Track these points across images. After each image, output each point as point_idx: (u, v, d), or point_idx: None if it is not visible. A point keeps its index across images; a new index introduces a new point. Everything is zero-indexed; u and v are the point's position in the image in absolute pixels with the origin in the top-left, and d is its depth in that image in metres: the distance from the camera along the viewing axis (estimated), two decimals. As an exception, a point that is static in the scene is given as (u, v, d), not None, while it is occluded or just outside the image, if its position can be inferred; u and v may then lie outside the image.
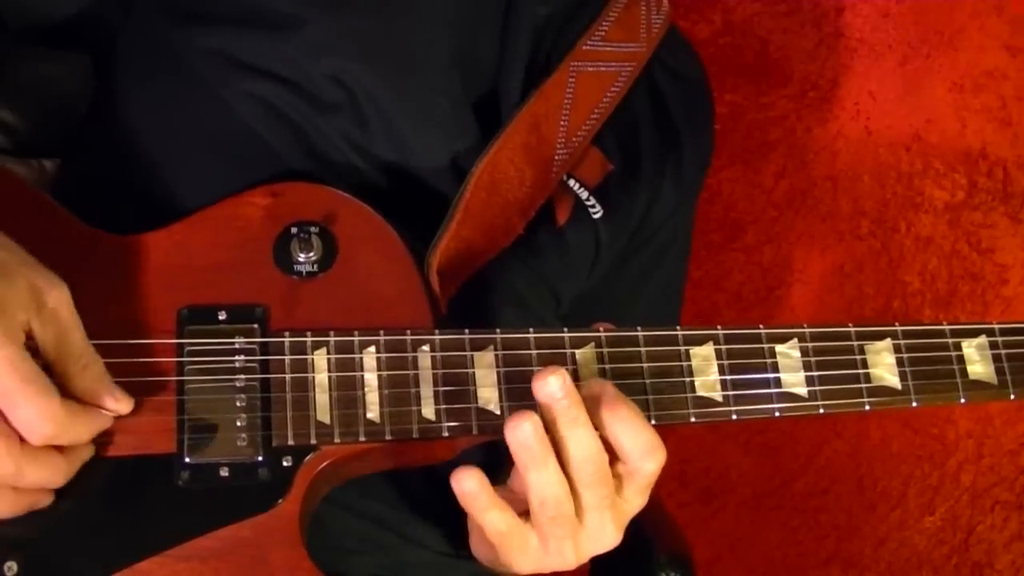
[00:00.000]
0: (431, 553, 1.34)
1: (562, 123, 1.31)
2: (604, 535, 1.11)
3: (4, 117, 1.37)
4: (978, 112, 2.51)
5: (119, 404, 1.03)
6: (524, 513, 1.09)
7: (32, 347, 0.97)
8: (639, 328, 1.15)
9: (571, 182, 1.33)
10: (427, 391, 1.10)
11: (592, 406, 1.06)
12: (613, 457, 1.08)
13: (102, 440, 1.05)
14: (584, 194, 1.33)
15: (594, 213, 1.33)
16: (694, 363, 1.15)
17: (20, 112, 1.38)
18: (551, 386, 1.04)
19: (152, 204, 1.21)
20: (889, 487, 2.42)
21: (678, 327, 1.16)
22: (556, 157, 1.31)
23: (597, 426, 1.06)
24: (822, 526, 2.40)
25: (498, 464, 1.29)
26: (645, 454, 1.07)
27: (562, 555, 1.11)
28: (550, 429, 1.05)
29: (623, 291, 1.43)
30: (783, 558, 2.39)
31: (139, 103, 1.27)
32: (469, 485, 1.05)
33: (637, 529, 1.16)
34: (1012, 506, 2.42)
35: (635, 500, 1.12)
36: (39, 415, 0.95)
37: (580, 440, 1.05)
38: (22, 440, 0.96)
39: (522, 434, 1.03)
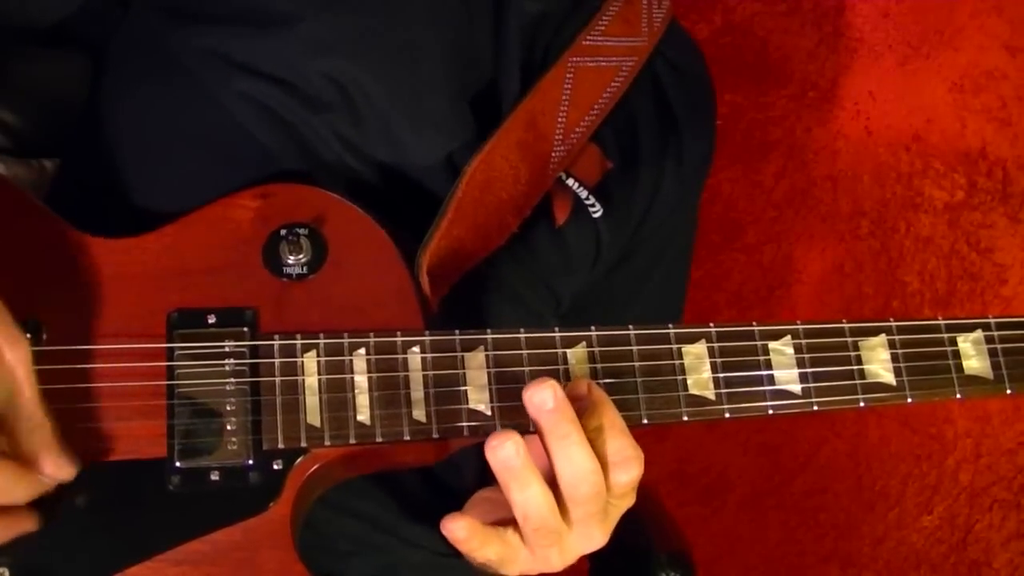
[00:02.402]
0: (427, 553, 1.34)
1: (560, 119, 1.30)
2: (592, 540, 1.10)
3: (4, 117, 1.37)
4: (978, 112, 2.51)
5: (60, 472, 0.99)
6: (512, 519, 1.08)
7: None
8: (631, 327, 1.14)
9: (570, 181, 1.32)
10: (417, 393, 1.09)
11: (576, 409, 1.05)
12: None
13: (93, 445, 1.04)
14: (583, 193, 1.32)
15: (594, 212, 1.32)
16: (686, 361, 1.14)
17: (20, 112, 1.38)
18: (541, 397, 1.03)
19: (144, 205, 1.21)
20: (887, 486, 2.42)
21: (670, 325, 1.15)
22: (553, 154, 1.30)
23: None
24: (821, 525, 2.40)
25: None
26: (619, 465, 1.06)
27: (548, 560, 1.10)
28: (543, 442, 1.05)
29: (624, 289, 1.43)
30: (782, 557, 2.39)
31: (132, 103, 1.27)
32: (460, 533, 1.05)
33: (637, 529, 1.16)
34: (1010, 505, 2.42)
35: (621, 503, 1.11)
36: None
37: (571, 457, 1.04)
38: None
39: (503, 454, 1.02)
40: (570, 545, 1.10)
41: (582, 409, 1.05)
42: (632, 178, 1.36)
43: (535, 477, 1.04)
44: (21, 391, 0.97)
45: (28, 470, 0.98)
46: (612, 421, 1.06)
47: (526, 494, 1.04)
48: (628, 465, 1.06)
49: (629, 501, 1.11)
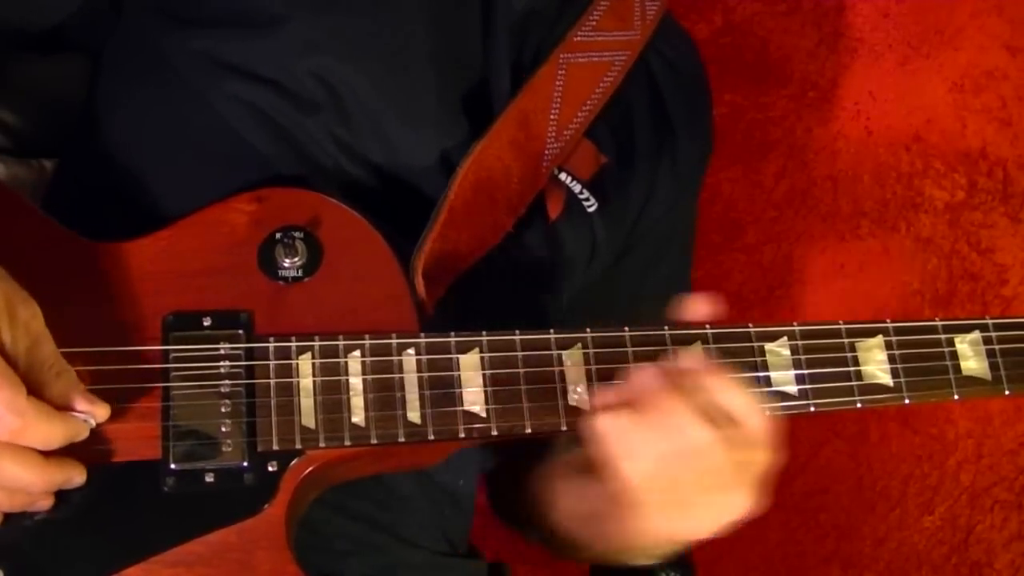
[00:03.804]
0: (427, 553, 1.34)
1: (552, 116, 1.30)
2: (736, 503, 1.09)
3: (4, 117, 1.37)
4: (978, 112, 2.50)
5: (94, 408, 1.03)
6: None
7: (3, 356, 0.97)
8: (626, 328, 1.14)
9: (563, 175, 1.32)
10: (412, 394, 1.10)
11: (692, 377, 1.06)
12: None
13: (88, 447, 1.04)
14: (577, 187, 1.32)
15: (588, 207, 1.32)
16: (682, 363, 1.14)
17: (20, 112, 1.38)
18: (647, 375, 1.05)
19: (141, 208, 1.21)
20: (888, 487, 2.41)
21: (666, 327, 1.15)
22: (546, 152, 1.30)
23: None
24: (821, 526, 2.39)
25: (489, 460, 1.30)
26: (753, 410, 1.07)
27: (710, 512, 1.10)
28: (650, 422, 1.04)
29: (626, 288, 1.42)
30: (783, 558, 2.38)
31: (126, 108, 1.27)
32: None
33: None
34: (1011, 506, 2.41)
35: (758, 455, 1.09)
36: (5, 407, 0.95)
37: (684, 429, 1.04)
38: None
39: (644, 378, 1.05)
40: (715, 510, 1.09)
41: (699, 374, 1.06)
42: (628, 172, 1.36)
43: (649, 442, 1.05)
44: (40, 342, 1.00)
45: (63, 412, 1.01)
46: (727, 379, 1.06)
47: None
48: (754, 415, 1.07)
49: (764, 456, 1.10)
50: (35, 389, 0.99)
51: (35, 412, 0.97)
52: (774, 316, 2.41)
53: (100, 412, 1.04)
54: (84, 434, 1.03)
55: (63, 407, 1.01)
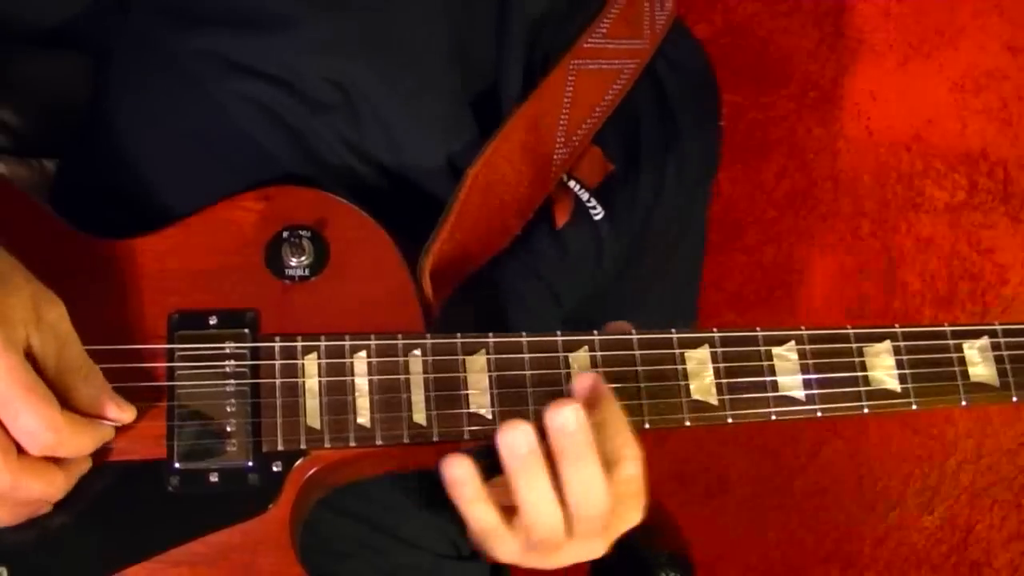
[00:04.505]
0: (429, 555, 1.33)
1: (561, 122, 1.30)
2: (591, 552, 1.09)
3: (4, 117, 1.37)
4: (979, 112, 2.51)
5: (123, 413, 1.02)
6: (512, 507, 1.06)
7: (31, 361, 0.96)
8: (633, 331, 1.14)
9: (571, 183, 1.32)
10: (418, 396, 1.09)
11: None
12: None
13: (94, 447, 1.04)
14: (584, 195, 1.32)
15: (595, 215, 1.32)
16: (689, 366, 1.14)
17: (20, 112, 1.38)
18: (563, 418, 1.01)
19: (147, 207, 1.21)
20: (888, 486, 2.41)
21: (673, 330, 1.15)
22: (555, 156, 1.29)
23: None
24: (821, 525, 2.40)
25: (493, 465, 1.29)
26: (619, 462, 1.04)
27: (541, 563, 1.09)
28: (556, 459, 1.02)
29: (636, 290, 1.42)
30: (783, 557, 2.39)
31: (133, 106, 1.27)
32: (458, 472, 1.02)
33: (637, 528, 1.15)
34: (1010, 505, 2.42)
35: (628, 515, 1.09)
36: (41, 424, 0.94)
37: (585, 478, 1.02)
38: (20, 451, 0.95)
39: (512, 441, 1.01)
40: (568, 555, 1.09)
41: (586, 403, 1.04)
42: (634, 180, 1.35)
43: (544, 475, 1.02)
44: (68, 343, 0.99)
45: (91, 419, 1.00)
46: (614, 416, 1.05)
47: (534, 490, 1.02)
48: (626, 463, 1.05)
49: (636, 516, 1.09)
50: (63, 394, 0.98)
51: (69, 427, 0.96)
52: (774, 316, 2.41)
53: (128, 416, 1.03)
54: (111, 436, 1.03)
55: (92, 412, 1.00)
